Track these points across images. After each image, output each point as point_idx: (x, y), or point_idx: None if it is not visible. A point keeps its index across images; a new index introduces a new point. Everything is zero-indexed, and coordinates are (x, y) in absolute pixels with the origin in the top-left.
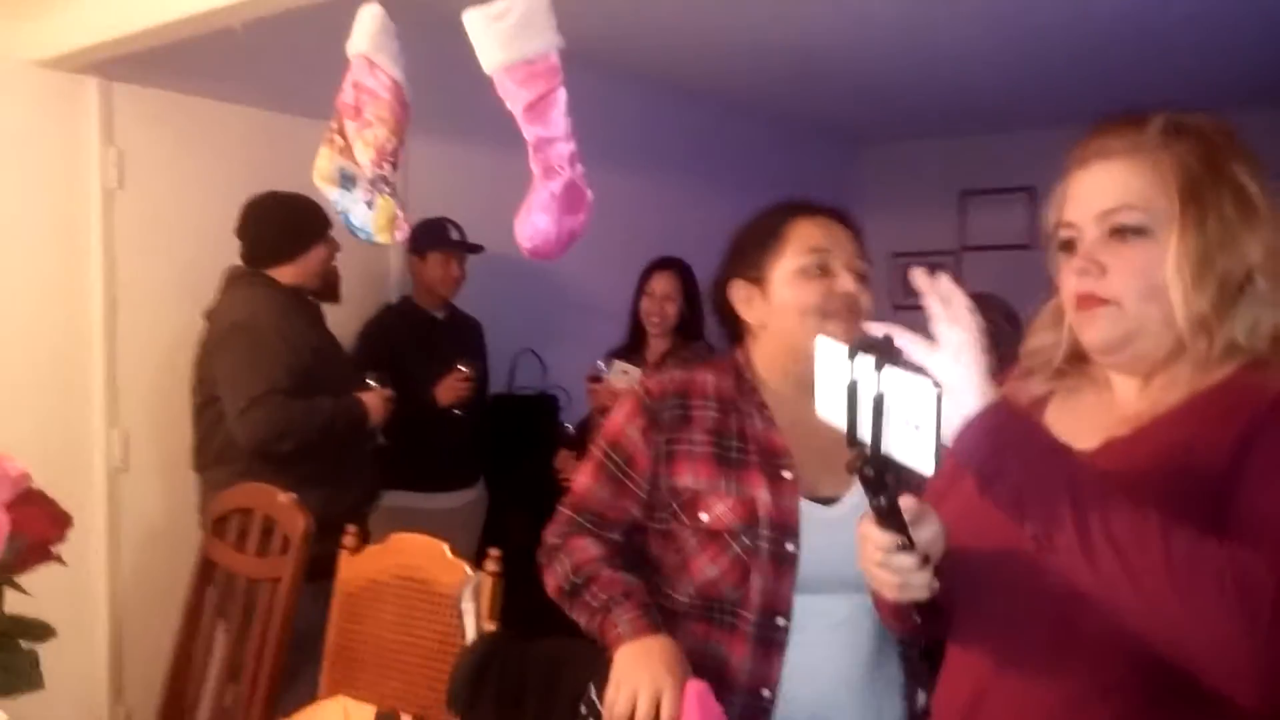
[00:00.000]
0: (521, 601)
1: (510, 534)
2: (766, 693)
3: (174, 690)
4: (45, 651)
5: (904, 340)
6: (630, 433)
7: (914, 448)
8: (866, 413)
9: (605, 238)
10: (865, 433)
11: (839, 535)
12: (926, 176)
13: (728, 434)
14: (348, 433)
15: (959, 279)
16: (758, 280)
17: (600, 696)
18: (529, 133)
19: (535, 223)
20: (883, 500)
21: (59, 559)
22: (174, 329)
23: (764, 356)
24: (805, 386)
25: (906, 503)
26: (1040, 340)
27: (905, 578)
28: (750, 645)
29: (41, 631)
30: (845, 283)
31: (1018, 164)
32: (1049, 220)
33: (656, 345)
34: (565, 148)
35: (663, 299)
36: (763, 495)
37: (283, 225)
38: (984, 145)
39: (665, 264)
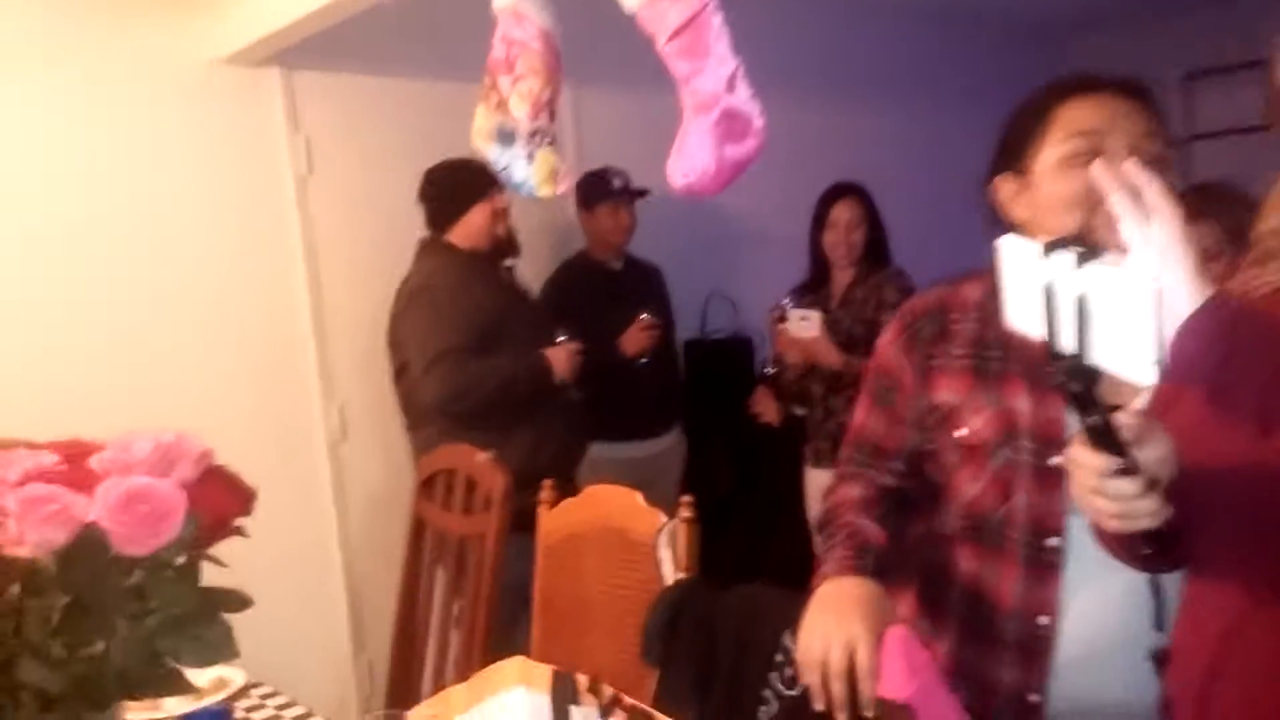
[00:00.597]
0: (725, 546)
1: (712, 478)
2: (1044, 619)
3: (403, 641)
4: (295, 612)
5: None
6: (892, 354)
7: (1128, 355)
8: (1068, 318)
9: (788, 167)
10: (1068, 341)
11: None
12: (1143, 63)
13: (988, 343)
14: (531, 389)
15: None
16: (1021, 172)
17: (795, 644)
18: (675, 67)
19: (689, 160)
20: (1095, 418)
21: (241, 531)
22: (375, 302)
23: None
24: None
25: (1127, 419)
26: (1277, 221)
27: (1127, 505)
28: (1021, 568)
29: (239, 602)
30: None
31: (1247, 37)
32: None
33: (841, 277)
34: (720, 73)
35: (847, 228)
36: (1023, 405)
37: (440, 191)
38: (1206, 20)
39: (844, 190)
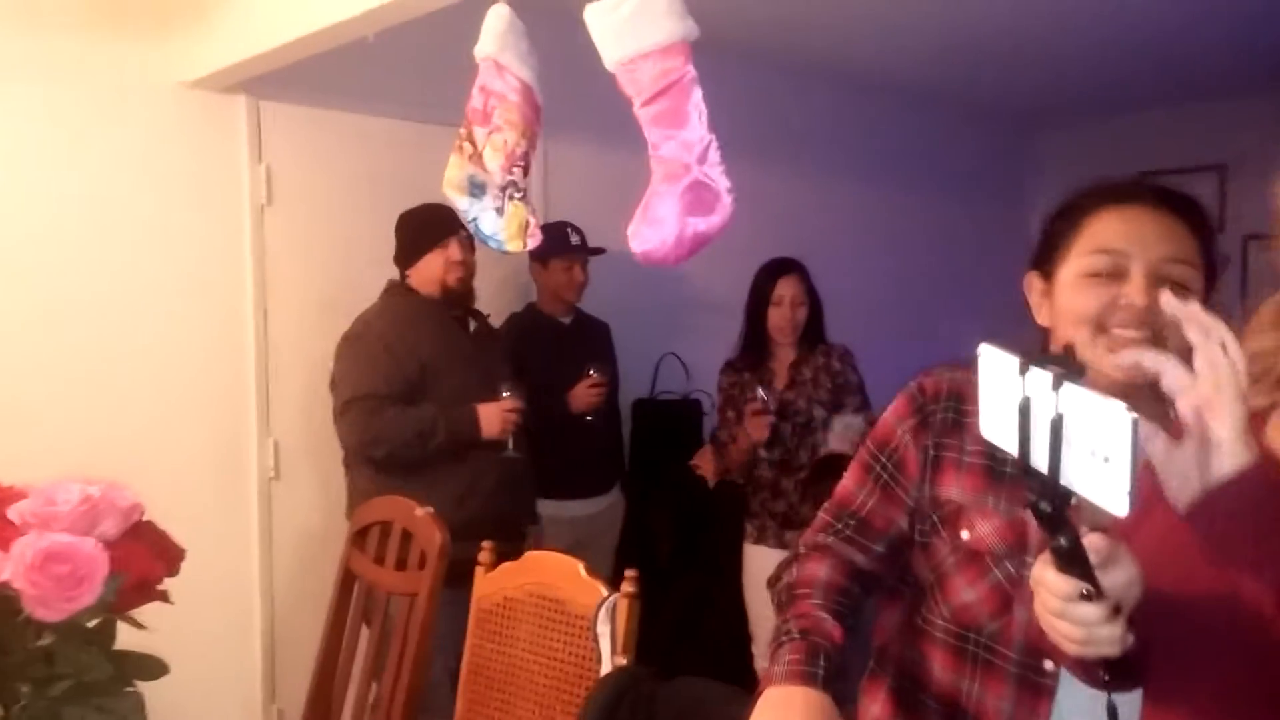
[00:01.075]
0: (662, 616)
1: (653, 542)
2: None
3: (319, 694)
4: (205, 652)
5: (1171, 376)
6: (901, 434)
7: (1102, 483)
8: (1042, 438)
9: (752, 236)
10: (1040, 460)
11: (1133, 570)
12: (1104, 157)
13: None
14: (452, 442)
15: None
16: (1048, 276)
17: None
18: (649, 130)
19: (651, 228)
20: (1063, 540)
21: (164, 597)
22: (323, 338)
23: None
24: None
25: (1095, 542)
26: (1260, 343)
27: (1089, 632)
28: (1010, 687)
29: (155, 668)
30: (1134, 291)
31: (1204, 139)
32: None
33: (784, 355)
34: (694, 145)
35: (792, 305)
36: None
37: (404, 232)
38: (1167, 120)
39: (788, 267)
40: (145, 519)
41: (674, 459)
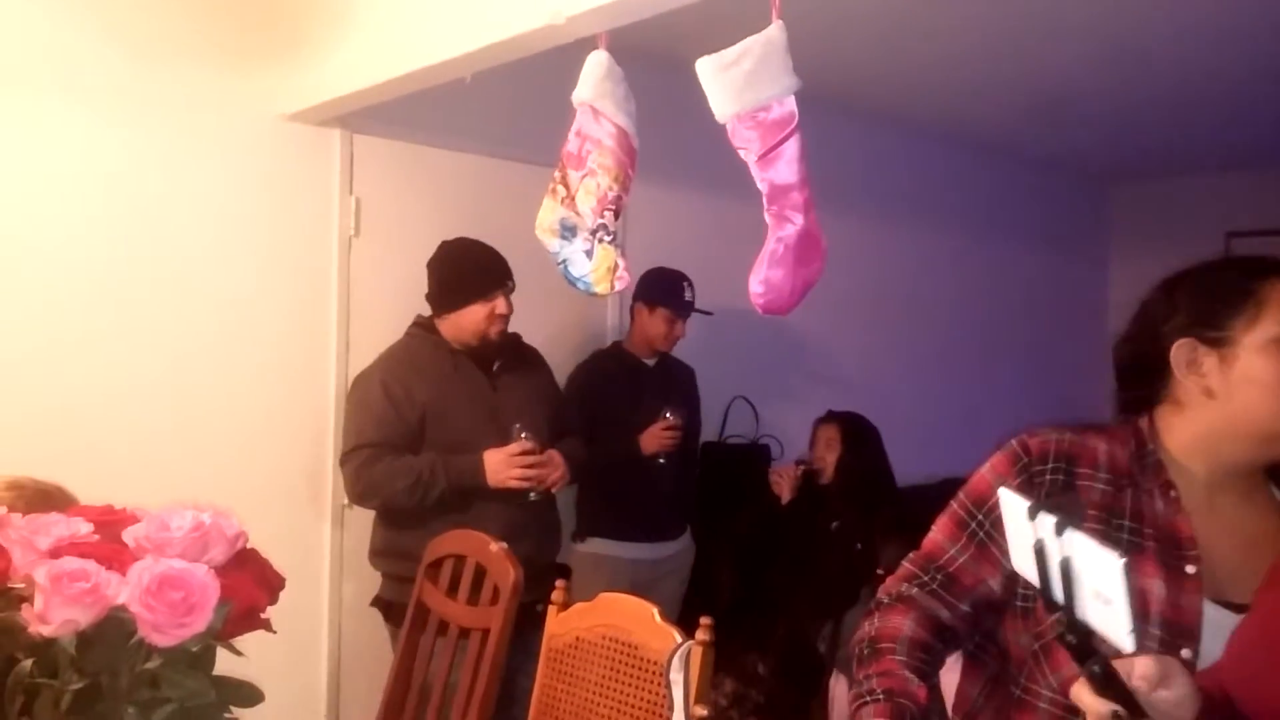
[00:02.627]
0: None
1: (718, 589)
2: None
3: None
4: (270, 679)
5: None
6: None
7: (1108, 621)
8: (1056, 576)
9: (828, 283)
10: (1058, 596)
11: None
12: (1186, 217)
13: (1119, 512)
14: (453, 492)
15: None
16: (1219, 342)
17: None
18: (762, 181)
19: (770, 277)
20: (1095, 667)
21: (268, 625)
22: None
23: (1190, 430)
24: (1237, 472)
25: (1145, 667)
26: None
27: None
28: None
29: (252, 695)
30: None
31: None
32: None
33: None
34: (799, 195)
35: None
36: (1157, 588)
37: (443, 277)
38: (1252, 182)
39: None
40: (249, 546)
41: (741, 506)
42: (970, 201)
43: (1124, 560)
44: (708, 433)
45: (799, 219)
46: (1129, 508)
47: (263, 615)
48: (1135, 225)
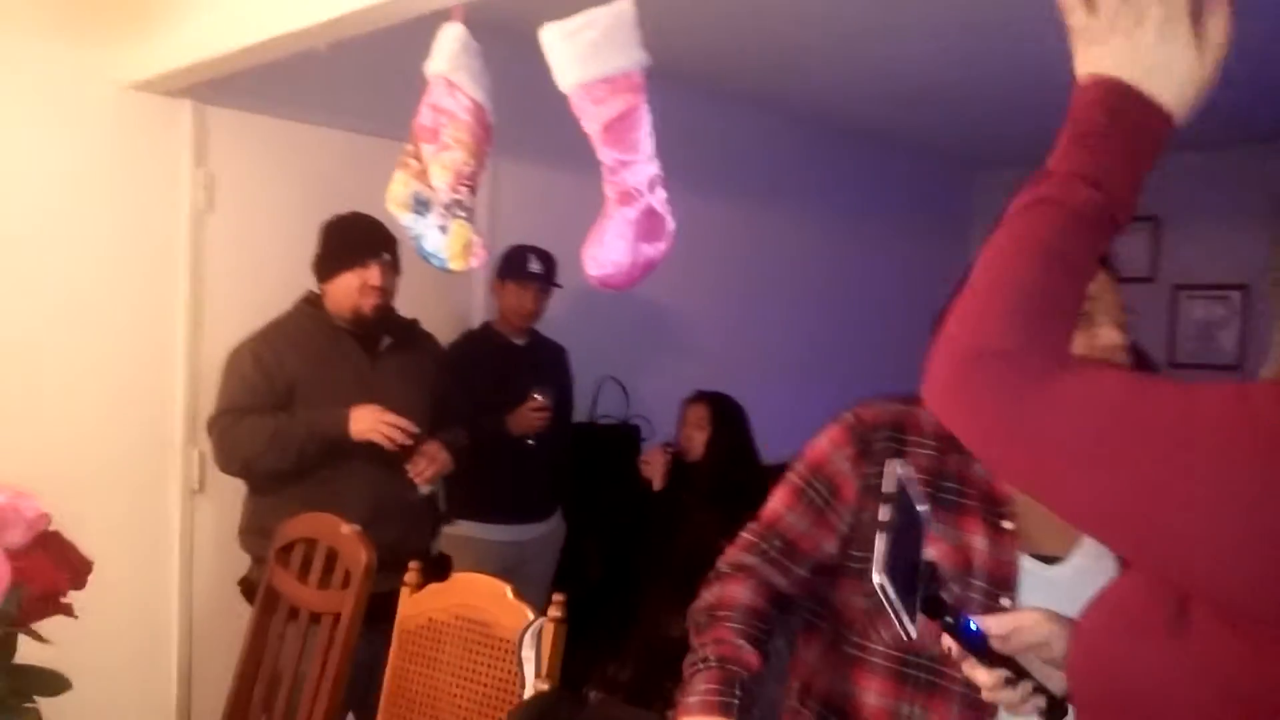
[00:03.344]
0: (594, 638)
1: (586, 568)
2: None
3: (236, 712)
4: (117, 670)
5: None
6: (837, 460)
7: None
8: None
9: (696, 264)
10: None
11: (1059, 596)
12: None
13: (945, 475)
14: (315, 445)
15: None
16: None
17: None
18: (604, 155)
19: (607, 252)
20: (969, 644)
21: (68, 610)
22: None
23: None
24: None
25: (989, 624)
26: None
27: (1022, 705)
28: (956, 707)
29: (56, 684)
30: (1109, 334)
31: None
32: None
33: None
34: (645, 171)
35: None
36: (979, 543)
37: (325, 243)
38: None
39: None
40: (52, 529)
41: (610, 486)
42: (842, 186)
43: (881, 579)
44: (578, 413)
45: (642, 195)
46: (954, 471)
47: (64, 600)
48: (996, 211)
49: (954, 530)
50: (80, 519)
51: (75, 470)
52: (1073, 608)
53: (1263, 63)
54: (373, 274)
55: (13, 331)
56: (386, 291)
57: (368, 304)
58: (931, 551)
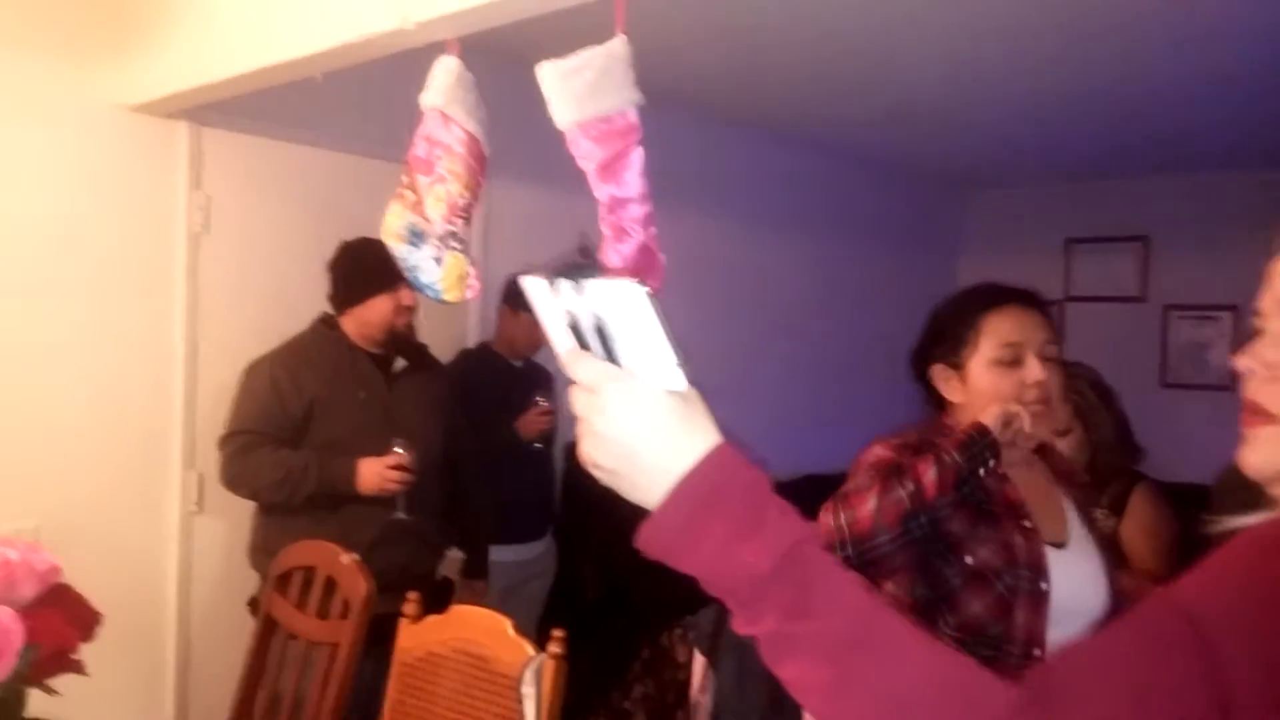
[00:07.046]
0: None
1: (581, 589)
2: None
3: None
4: (112, 696)
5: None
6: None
7: (657, 359)
8: (596, 345)
9: (686, 286)
10: (599, 353)
11: (1073, 571)
12: (1031, 222)
13: (976, 490)
14: (326, 492)
15: (1062, 331)
16: (956, 366)
17: None
18: (601, 192)
19: None
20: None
21: (80, 668)
22: None
23: (967, 423)
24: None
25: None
26: None
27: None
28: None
29: None
30: (1035, 371)
31: (1130, 212)
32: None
33: None
34: (639, 209)
35: None
36: (1018, 540)
37: (346, 272)
38: (1094, 191)
39: None
40: (62, 581)
41: (602, 507)
42: (832, 205)
43: (646, 287)
44: (568, 433)
45: (637, 232)
46: (979, 485)
47: (74, 656)
48: (984, 230)
49: (995, 531)
50: (77, 542)
51: (73, 492)
52: (1081, 580)
53: (1252, 91)
54: (405, 294)
55: (10, 352)
56: (414, 309)
57: (402, 322)
58: None
